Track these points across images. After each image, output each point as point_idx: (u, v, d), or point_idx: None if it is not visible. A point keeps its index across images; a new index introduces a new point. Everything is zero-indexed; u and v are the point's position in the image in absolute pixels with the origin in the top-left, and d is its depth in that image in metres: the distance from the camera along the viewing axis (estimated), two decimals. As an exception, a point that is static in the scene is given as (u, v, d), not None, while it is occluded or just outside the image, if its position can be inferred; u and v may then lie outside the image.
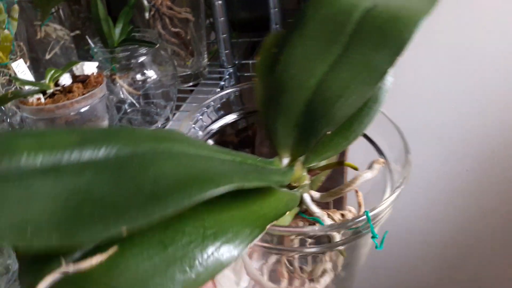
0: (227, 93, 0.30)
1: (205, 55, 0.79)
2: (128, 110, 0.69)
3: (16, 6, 0.52)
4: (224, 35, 0.76)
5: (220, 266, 0.16)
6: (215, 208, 0.18)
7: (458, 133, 0.63)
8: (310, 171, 0.26)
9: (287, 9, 0.91)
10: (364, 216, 0.21)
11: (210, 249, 0.16)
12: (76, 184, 0.16)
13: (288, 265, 0.25)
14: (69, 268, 0.15)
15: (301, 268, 0.25)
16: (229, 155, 0.21)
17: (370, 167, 0.23)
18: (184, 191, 0.16)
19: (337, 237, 0.23)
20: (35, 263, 0.15)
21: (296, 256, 0.24)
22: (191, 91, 0.80)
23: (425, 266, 0.80)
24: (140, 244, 0.16)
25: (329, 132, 0.21)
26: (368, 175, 0.22)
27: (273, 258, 0.24)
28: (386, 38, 0.19)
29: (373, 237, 0.22)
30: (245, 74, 0.85)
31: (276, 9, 0.74)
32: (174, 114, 0.72)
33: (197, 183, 0.16)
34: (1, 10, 0.49)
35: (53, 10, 0.68)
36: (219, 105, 0.29)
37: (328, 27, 0.22)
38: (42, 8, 0.66)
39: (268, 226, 0.18)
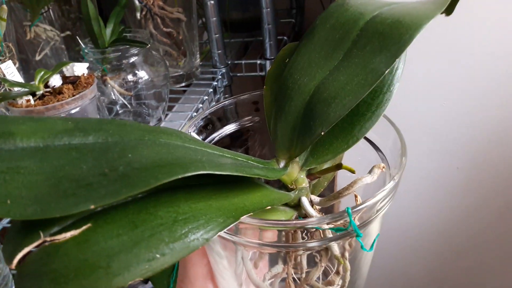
0: (223, 105, 0.29)
1: (198, 55, 0.78)
2: (120, 111, 0.69)
3: (4, 6, 0.51)
4: (217, 35, 0.76)
5: (186, 250, 0.17)
6: (194, 197, 0.19)
7: (448, 130, 0.63)
8: (310, 175, 0.26)
9: (279, 9, 0.91)
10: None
11: (178, 232, 0.17)
12: (60, 163, 0.18)
13: (295, 278, 0.25)
14: (46, 240, 0.16)
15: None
16: (217, 151, 0.22)
17: (370, 171, 0.22)
18: (152, 173, 0.17)
19: (330, 234, 0.23)
20: (18, 235, 0.17)
21: (304, 268, 0.24)
22: (184, 91, 0.79)
23: (416, 264, 0.80)
24: (112, 222, 0.17)
25: (323, 133, 0.22)
26: (367, 179, 0.22)
27: (278, 268, 0.24)
28: (385, 41, 0.19)
29: (357, 236, 0.22)
30: (238, 74, 0.84)
31: (269, 9, 0.74)
32: (167, 115, 0.71)
33: (167, 167, 0.18)
34: (-11, 10, 0.48)
35: (43, 10, 0.66)
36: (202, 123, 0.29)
37: (335, 35, 0.23)
38: (32, 9, 0.65)
39: (243, 217, 0.20)
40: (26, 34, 0.69)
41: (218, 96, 0.81)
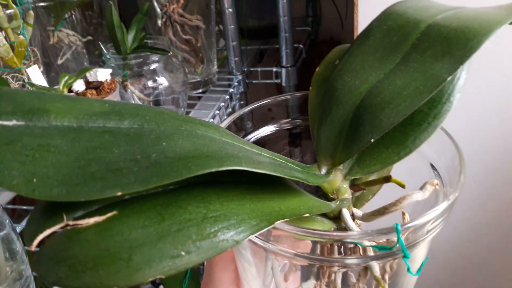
0: (262, 105, 0.28)
1: (215, 62, 0.77)
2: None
3: (31, 12, 0.51)
4: (234, 43, 0.75)
5: (213, 250, 0.15)
6: (227, 195, 0.18)
7: (465, 143, 0.62)
8: (353, 186, 0.24)
9: (294, 17, 0.90)
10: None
11: (207, 231, 0.16)
12: (91, 145, 0.17)
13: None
14: (68, 224, 0.15)
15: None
16: (256, 149, 0.21)
17: (422, 188, 0.21)
18: (185, 163, 0.16)
19: (371, 252, 0.21)
20: (41, 216, 0.16)
21: (338, 287, 0.22)
22: (199, 97, 0.78)
23: (430, 277, 0.78)
24: (139, 212, 0.16)
25: (372, 140, 0.20)
26: (418, 195, 0.21)
27: (310, 284, 0.22)
28: (450, 46, 0.18)
29: (404, 256, 0.20)
30: (254, 81, 0.83)
31: (286, 18, 0.73)
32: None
33: (201, 158, 0.17)
34: (17, 15, 0.47)
35: (66, 15, 0.66)
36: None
37: (392, 37, 0.22)
38: (56, 14, 0.65)
39: (278, 222, 0.18)
40: (50, 38, 0.68)
41: (234, 102, 0.80)
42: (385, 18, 0.22)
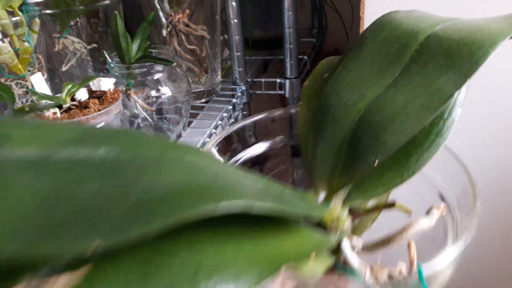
0: (243, 125, 0.26)
1: (219, 72, 0.77)
2: (141, 125, 0.68)
3: (37, 20, 0.51)
4: (239, 53, 0.75)
5: None
6: (221, 237, 0.16)
7: (463, 157, 0.61)
8: (352, 212, 0.22)
9: (300, 28, 0.90)
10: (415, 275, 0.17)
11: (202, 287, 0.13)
12: (59, 183, 0.14)
13: None
14: (31, 286, 0.12)
15: None
16: (249, 176, 0.18)
17: (428, 212, 0.20)
18: (175, 204, 0.13)
19: None
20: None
21: None
22: (202, 107, 0.77)
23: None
24: (118, 268, 0.13)
25: (376, 162, 0.19)
26: (424, 222, 0.19)
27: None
28: (453, 59, 0.17)
29: None
30: (257, 92, 0.83)
31: (291, 29, 0.73)
32: (185, 130, 0.70)
33: (194, 194, 0.14)
34: (23, 23, 0.47)
35: (72, 23, 0.66)
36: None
37: (388, 49, 0.20)
38: (62, 21, 0.65)
39: (284, 269, 0.16)
40: (55, 45, 0.68)
41: (237, 113, 0.80)
42: (380, 29, 0.21)
